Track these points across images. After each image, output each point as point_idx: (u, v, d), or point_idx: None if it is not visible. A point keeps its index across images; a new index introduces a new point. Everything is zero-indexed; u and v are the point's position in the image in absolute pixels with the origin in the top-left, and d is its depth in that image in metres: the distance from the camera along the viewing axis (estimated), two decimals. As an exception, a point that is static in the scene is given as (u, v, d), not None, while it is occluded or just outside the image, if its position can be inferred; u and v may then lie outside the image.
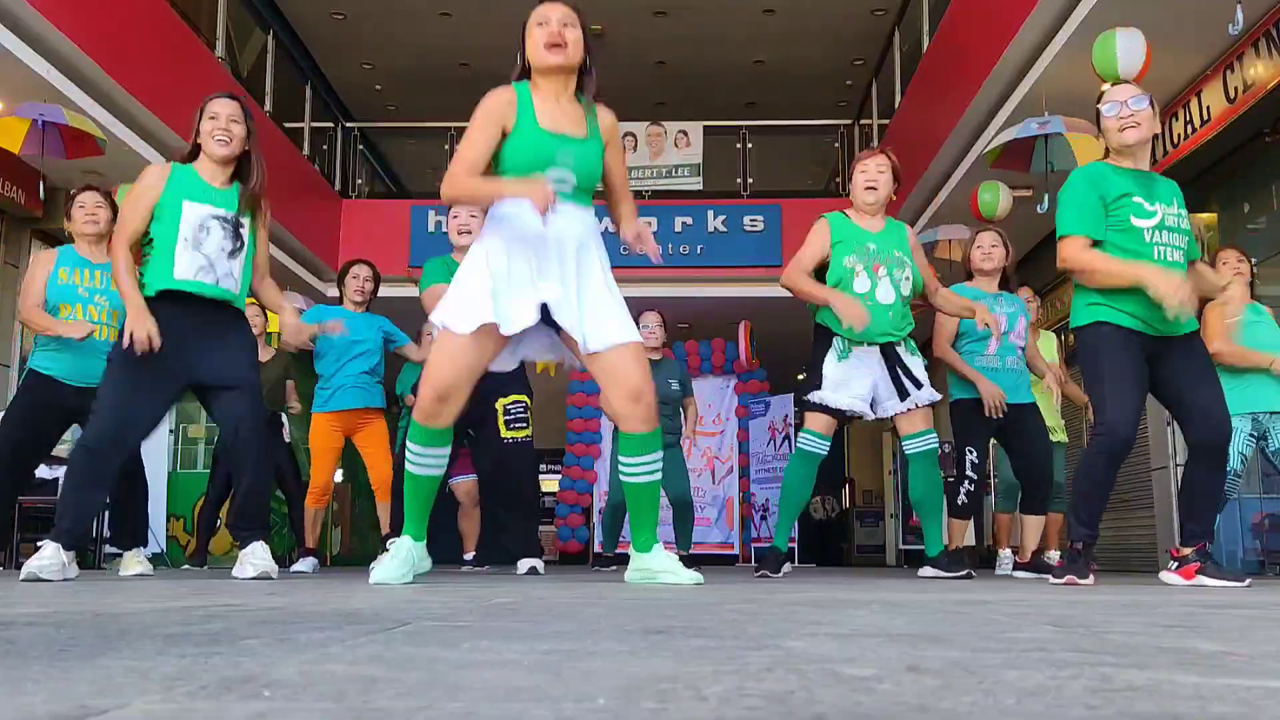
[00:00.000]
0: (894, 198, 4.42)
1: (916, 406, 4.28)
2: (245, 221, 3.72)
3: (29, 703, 0.73)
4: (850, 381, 4.19)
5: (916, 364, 4.30)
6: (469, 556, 6.20)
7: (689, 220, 11.26)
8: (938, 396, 4.35)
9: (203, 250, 3.60)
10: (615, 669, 0.93)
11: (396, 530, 4.82)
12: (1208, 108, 6.37)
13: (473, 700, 0.75)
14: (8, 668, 0.92)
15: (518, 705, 0.73)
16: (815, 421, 4.26)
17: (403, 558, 3.20)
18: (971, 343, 5.13)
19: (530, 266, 2.98)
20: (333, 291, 8.86)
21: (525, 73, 3.15)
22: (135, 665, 0.94)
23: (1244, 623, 1.62)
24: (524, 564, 4.80)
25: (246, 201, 3.72)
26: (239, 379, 3.69)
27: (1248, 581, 3.49)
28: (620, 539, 6.76)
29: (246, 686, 0.80)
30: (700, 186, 11.61)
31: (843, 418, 4.38)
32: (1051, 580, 3.69)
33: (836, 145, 12.82)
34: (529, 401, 4.74)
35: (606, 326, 3.02)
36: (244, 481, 3.80)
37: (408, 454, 3.20)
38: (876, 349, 4.21)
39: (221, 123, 3.67)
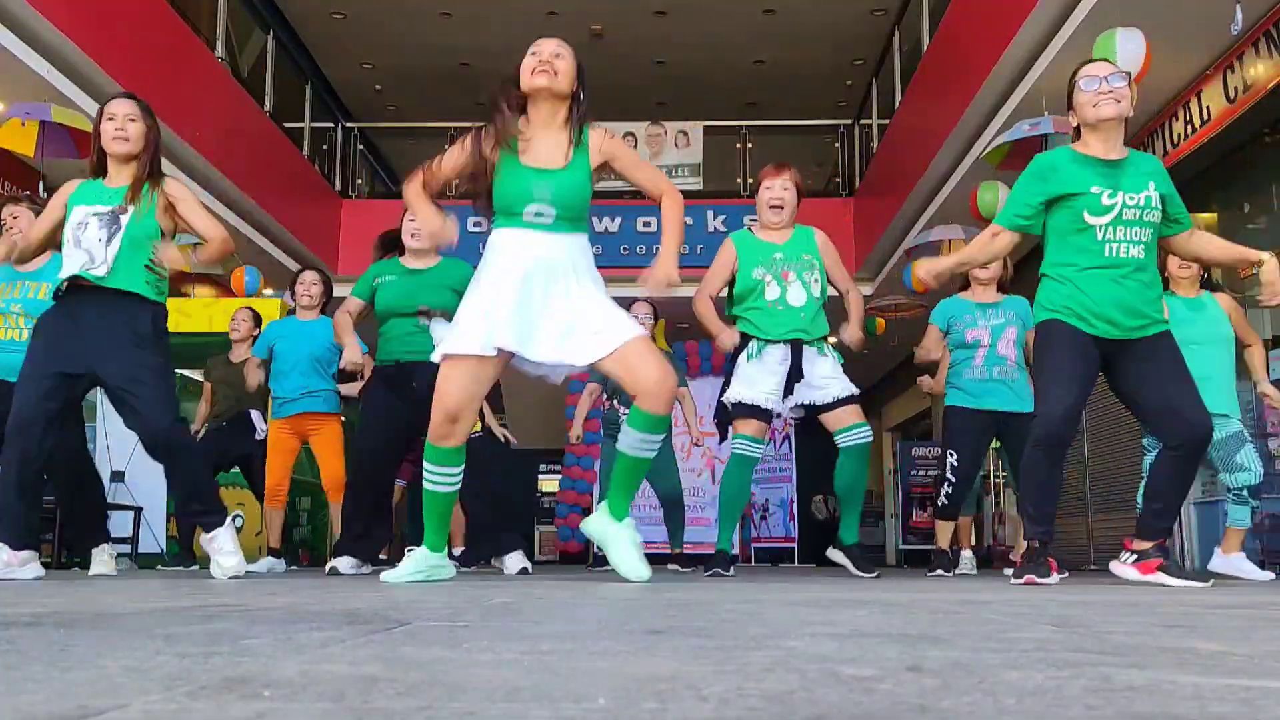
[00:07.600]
0: (797, 211, 4.49)
1: (797, 405, 4.39)
2: (129, 209, 3.67)
3: (29, 702, 0.73)
4: (759, 379, 4.34)
5: (825, 365, 4.35)
6: (456, 552, 6.18)
7: (689, 220, 11.20)
8: (854, 390, 4.39)
9: (83, 246, 3.62)
10: (615, 669, 0.93)
11: (348, 535, 4.78)
12: (1208, 108, 6.37)
13: (473, 700, 0.75)
14: (8, 668, 0.92)
15: (518, 705, 0.73)
16: (746, 426, 4.39)
17: (415, 564, 3.33)
18: (959, 351, 5.21)
19: (512, 297, 3.11)
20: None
21: (520, 106, 3.32)
22: (135, 665, 0.94)
23: (1244, 623, 1.62)
24: (512, 563, 4.80)
25: (132, 190, 3.69)
26: (129, 385, 3.59)
27: (1211, 582, 3.41)
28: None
29: (246, 686, 0.80)
30: (700, 186, 11.61)
31: (769, 418, 4.46)
32: (1012, 580, 3.57)
33: (836, 145, 12.82)
34: None
35: (600, 338, 3.13)
36: (174, 487, 3.84)
37: (424, 471, 3.30)
38: (787, 348, 4.33)
39: (119, 121, 3.70)
